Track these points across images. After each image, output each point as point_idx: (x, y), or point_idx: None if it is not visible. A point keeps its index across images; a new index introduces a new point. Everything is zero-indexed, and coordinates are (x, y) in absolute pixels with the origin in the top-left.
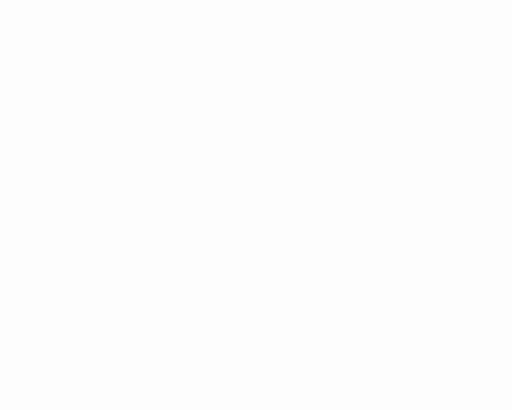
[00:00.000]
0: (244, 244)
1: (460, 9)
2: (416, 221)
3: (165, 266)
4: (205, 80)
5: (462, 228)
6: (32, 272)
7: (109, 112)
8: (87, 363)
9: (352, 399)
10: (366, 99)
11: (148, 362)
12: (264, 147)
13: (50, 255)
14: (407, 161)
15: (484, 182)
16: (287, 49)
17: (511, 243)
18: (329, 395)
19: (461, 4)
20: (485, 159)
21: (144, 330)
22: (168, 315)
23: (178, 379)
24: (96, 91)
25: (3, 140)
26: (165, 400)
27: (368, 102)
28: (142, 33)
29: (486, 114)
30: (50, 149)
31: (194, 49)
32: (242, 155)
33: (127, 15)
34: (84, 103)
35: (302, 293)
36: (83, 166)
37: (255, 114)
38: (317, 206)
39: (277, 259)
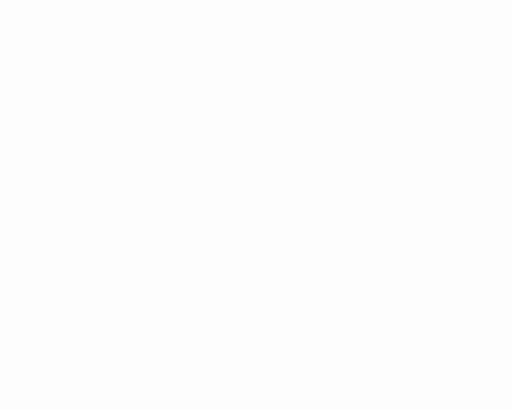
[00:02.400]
0: (244, 244)
1: (460, 9)
2: (415, 221)
3: (164, 265)
4: (205, 80)
5: (462, 228)
6: (32, 272)
7: (109, 112)
8: (87, 363)
9: (352, 399)
10: (366, 99)
11: (148, 362)
12: (264, 147)
13: (50, 255)
14: (407, 161)
15: (484, 182)
16: (287, 49)
17: (511, 243)
18: (328, 394)
19: (461, 4)
20: (485, 159)
21: (144, 330)
22: (168, 315)
23: (178, 379)
24: (96, 91)
25: (3, 140)
26: (165, 400)
27: (368, 102)
28: (142, 33)
29: (486, 113)
30: (50, 149)
31: (194, 49)
32: (242, 155)
33: (127, 15)
34: (84, 103)
35: (302, 293)
36: (83, 165)
37: (255, 114)
38: (317, 206)
39: (277, 258)
